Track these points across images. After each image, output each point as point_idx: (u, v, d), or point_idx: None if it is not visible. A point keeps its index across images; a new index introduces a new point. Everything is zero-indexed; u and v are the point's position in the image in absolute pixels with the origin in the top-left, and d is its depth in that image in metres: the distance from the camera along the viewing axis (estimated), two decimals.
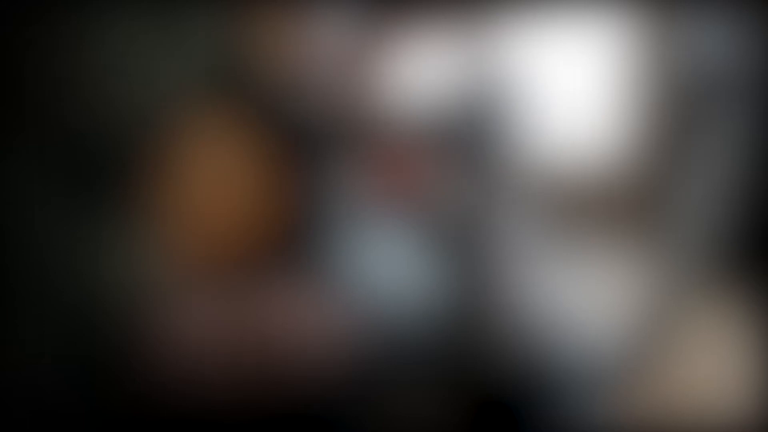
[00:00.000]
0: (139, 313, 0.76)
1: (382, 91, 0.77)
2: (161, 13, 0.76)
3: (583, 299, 0.76)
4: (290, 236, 0.77)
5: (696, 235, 0.76)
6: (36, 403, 0.75)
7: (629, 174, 0.76)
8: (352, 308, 0.77)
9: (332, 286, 0.77)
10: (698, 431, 0.75)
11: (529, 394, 0.76)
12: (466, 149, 0.76)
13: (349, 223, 0.77)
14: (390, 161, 0.77)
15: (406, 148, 0.77)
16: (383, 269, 0.77)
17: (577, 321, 0.76)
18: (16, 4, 0.75)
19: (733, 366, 0.76)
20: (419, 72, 0.77)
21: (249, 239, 0.77)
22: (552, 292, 0.76)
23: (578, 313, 0.76)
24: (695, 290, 0.76)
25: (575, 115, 0.76)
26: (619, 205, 0.76)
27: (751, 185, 0.76)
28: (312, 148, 0.77)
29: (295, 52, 0.77)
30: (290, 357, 0.76)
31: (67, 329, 0.76)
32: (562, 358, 0.76)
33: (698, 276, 0.76)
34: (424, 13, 0.76)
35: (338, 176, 0.77)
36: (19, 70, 0.76)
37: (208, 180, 0.77)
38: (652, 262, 0.76)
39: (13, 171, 0.76)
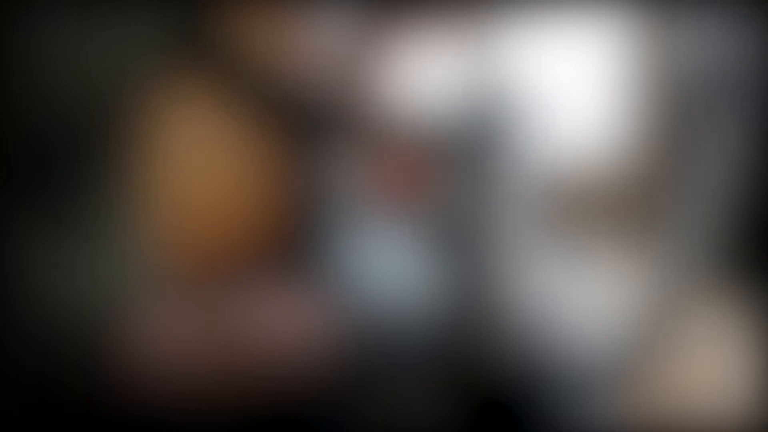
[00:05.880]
0: (120, 317, 0.76)
1: (383, 89, 0.76)
2: None
3: (583, 300, 0.76)
4: (285, 234, 0.76)
5: (697, 235, 0.76)
6: (16, 407, 0.75)
7: (629, 175, 0.76)
8: (349, 309, 0.76)
9: (330, 285, 0.76)
10: None
11: (529, 395, 0.76)
12: (467, 149, 0.76)
13: (347, 222, 0.77)
14: (390, 160, 0.77)
15: (406, 147, 0.76)
16: (381, 269, 0.77)
17: (577, 322, 0.76)
18: None
19: (735, 366, 0.76)
20: (421, 70, 0.77)
21: (239, 237, 0.76)
22: (552, 293, 0.76)
23: (578, 315, 0.76)
24: (696, 291, 0.76)
25: (576, 116, 0.76)
26: (620, 206, 0.76)
27: (752, 185, 0.76)
28: (309, 143, 0.77)
29: (293, 45, 0.76)
30: (285, 358, 0.76)
31: (48, 334, 0.75)
32: (563, 359, 0.76)
33: (699, 277, 0.76)
34: (426, 11, 0.76)
35: (336, 173, 0.77)
36: None
37: (195, 175, 0.76)
38: (652, 263, 0.76)
39: None
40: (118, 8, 0.75)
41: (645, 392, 0.76)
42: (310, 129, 0.76)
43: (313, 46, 0.76)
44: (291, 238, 0.76)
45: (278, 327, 0.76)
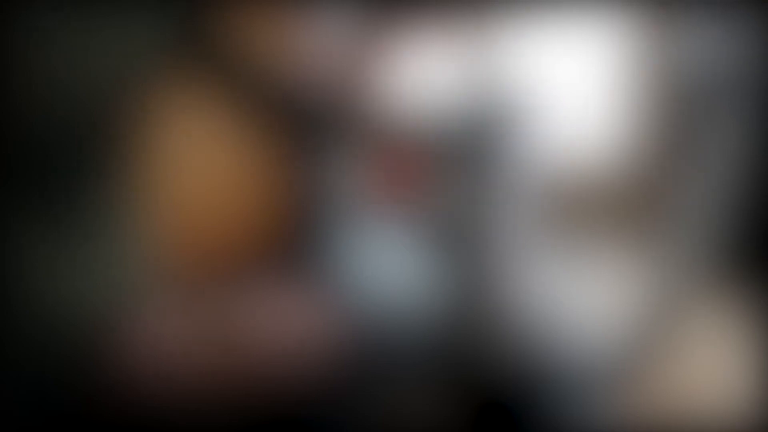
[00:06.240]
0: (120, 316, 0.76)
1: (384, 89, 0.76)
2: None
3: (583, 300, 0.76)
4: (286, 234, 0.76)
5: (697, 235, 0.76)
6: (16, 407, 0.75)
7: (629, 175, 0.76)
8: (349, 309, 0.76)
9: (330, 286, 0.76)
10: None
11: (529, 395, 0.76)
12: (467, 149, 0.76)
13: (347, 222, 0.77)
14: (390, 160, 0.76)
15: (406, 148, 0.76)
16: (381, 269, 0.77)
17: (577, 322, 0.76)
18: None
19: (735, 366, 0.76)
20: (421, 71, 0.77)
21: (239, 237, 0.76)
22: (552, 293, 0.76)
23: (578, 315, 0.76)
24: (695, 291, 0.76)
25: (576, 116, 0.76)
26: (619, 207, 0.76)
27: (753, 185, 0.76)
28: (309, 144, 0.77)
29: (293, 46, 0.76)
30: (286, 358, 0.76)
31: (48, 334, 0.75)
32: (563, 359, 0.76)
33: (699, 277, 0.76)
34: (426, 11, 0.76)
35: (336, 174, 0.76)
36: None
37: (195, 175, 0.76)
38: (652, 263, 0.76)
39: None
40: (118, 8, 0.75)
41: (645, 392, 0.76)
42: (310, 129, 0.76)
43: (313, 46, 0.76)
44: (291, 238, 0.76)
45: (278, 327, 0.76)
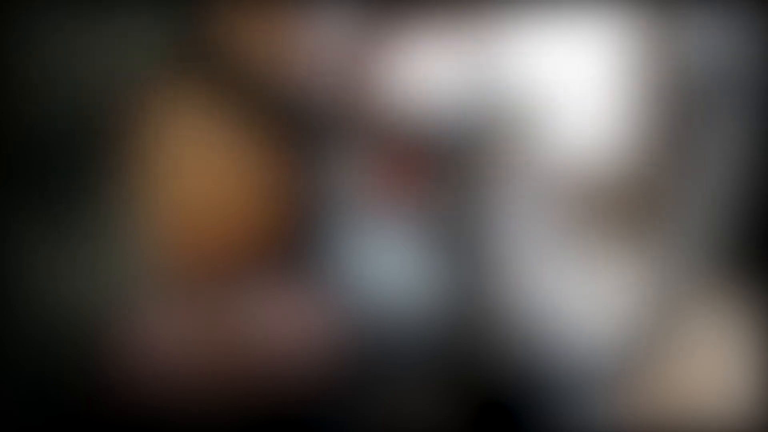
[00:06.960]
0: (120, 317, 0.76)
1: (385, 89, 0.76)
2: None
3: (583, 300, 0.76)
4: (286, 234, 0.76)
5: (697, 235, 0.76)
6: (16, 407, 0.75)
7: (630, 175, 0.76)
8: (349, 309, 0.76)
9: (330, 286, 0.76)
10: None
11: (529, 395, 0.76)
12: (469, 150, 0.76)
13: (348, 222, 0.77)
14: (391, 160, 0.76)
15: (407, 148, 0.76)
16: (382, 269, 0.77)
17: (578, 322, 0.76)
18: None
19: (735, 367, 0.76)
20: (423, 71, 0.76)
21: (239, 237, 0.76)
22: (553, 293, 0.76)
23: (578, 315, 0.76)
24: (696, 292, 0.76)
25: (578, 116, 0.76)
26: (620, 207, 0.76)
27: (754, 185, 0.76)
28: (311, 144, 0.77)
29: (293, 46, 0.76)
30: (286, 358, 0.76)
31: (48, 334, 0.75)
32: (563, 359, 0.76)
33: (699, 277, 0.76)
34: (428, 12, 0.76)
35: (338, 174, 0.76)
36: None
37: (195, 175, 0.76)
38: (653, 263, 0.76)
39: None
40: (118, 9, 0.75)
41: (645, 392, 0.76)
42: (312, 129, 0.76)
43: (314, 46, 0.76)
44: (292, 238, 0.76)
45: (278, 327, 0.76)
